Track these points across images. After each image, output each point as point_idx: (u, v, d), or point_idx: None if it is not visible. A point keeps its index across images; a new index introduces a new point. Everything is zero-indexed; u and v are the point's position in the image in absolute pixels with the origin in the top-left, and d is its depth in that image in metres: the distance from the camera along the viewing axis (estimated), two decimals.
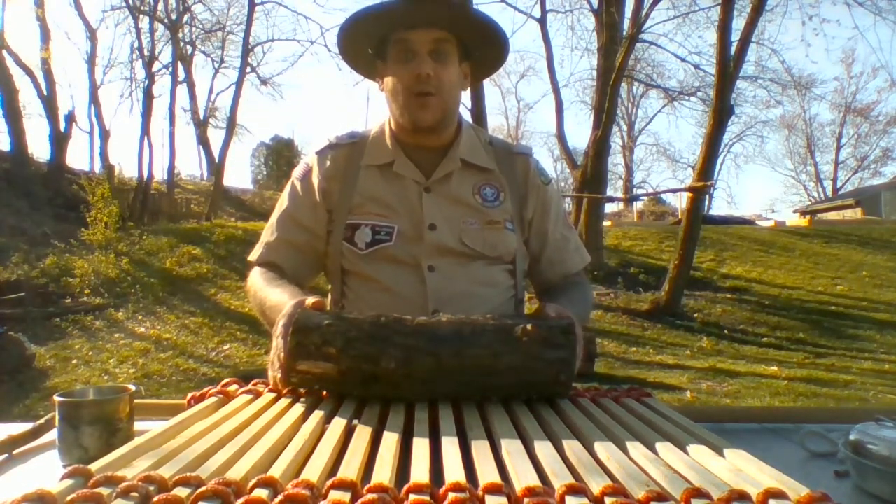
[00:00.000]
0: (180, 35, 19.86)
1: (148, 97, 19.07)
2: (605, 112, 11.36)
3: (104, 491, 0.57)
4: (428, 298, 1.22)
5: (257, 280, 1.26)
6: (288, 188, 1.35)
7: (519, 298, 1.34)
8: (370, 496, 0.56)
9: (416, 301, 1.21)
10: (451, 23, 1.22)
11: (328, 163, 1.31)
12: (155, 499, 0.56)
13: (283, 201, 1.35)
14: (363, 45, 1.30)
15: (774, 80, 17.82)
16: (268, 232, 1.34)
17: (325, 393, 0.97)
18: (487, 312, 0.99)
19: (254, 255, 1.33)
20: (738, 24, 10.02)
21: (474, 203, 1.28)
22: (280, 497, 0.56)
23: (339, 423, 0.81)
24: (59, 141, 17.43)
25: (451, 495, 0.57)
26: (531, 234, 1.34)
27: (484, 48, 1.31)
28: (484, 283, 1.26)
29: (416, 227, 1.25)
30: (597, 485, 0.60)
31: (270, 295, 1.17)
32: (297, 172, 1.36)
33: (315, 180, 1.31)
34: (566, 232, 1.39)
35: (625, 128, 32.38)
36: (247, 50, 19.22)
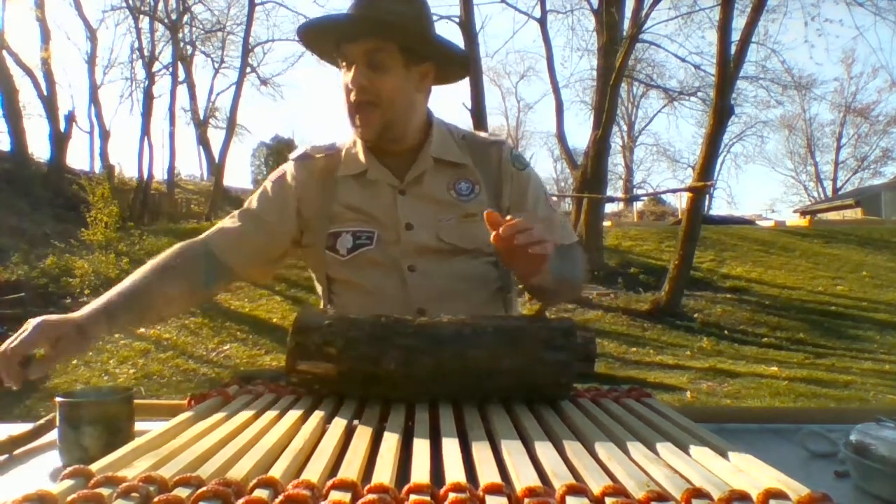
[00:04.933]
0: (180, 35, 19.87)
1: (148, 97, 19.11)
2: (605, 112, 11.34)
3: (105, 491, 0.58)
4: (411, 298, 1.23)
5: (151, 261, 1.27)
6: (260, 189, 1.37)
7: (506, 291, 1.33)
8: (370, 496, 0.56)
9: (399, 301, 1.22)
10: (384, 32, 1.20)
11: (304, 172, 1.33)
12: (155, 499, 0.56)
13: (251, 200, 1.36)
14: (325, 50, 1.30)
15: (775, 81, 17.78)
16: (227, 220, 1.35)
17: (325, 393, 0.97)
18: (473, 307, 0.99)
19: (204, 234, 1.33)
20: (739, 24, 10.04)
21: (449, 199, 1.28)
22: (280, 497, 0.56)
23: (339, 424, 0.82)
24: (59, 141, 17.43)
25: (452, 495, 0.57)
26: None
27: (435, 51, 1.27)
28: (466, 277, 1.27)
29: (393, 229, 1.26)
30: (597, 485, 0.60)
31: (116, 287, 1.18)
32: (272, 175, 1.37)
33: (290, 186, 1.32)
34: (548, 213, 1.37)
35: (625, 128, 32.29)
36: (247, 50, 19.24)
